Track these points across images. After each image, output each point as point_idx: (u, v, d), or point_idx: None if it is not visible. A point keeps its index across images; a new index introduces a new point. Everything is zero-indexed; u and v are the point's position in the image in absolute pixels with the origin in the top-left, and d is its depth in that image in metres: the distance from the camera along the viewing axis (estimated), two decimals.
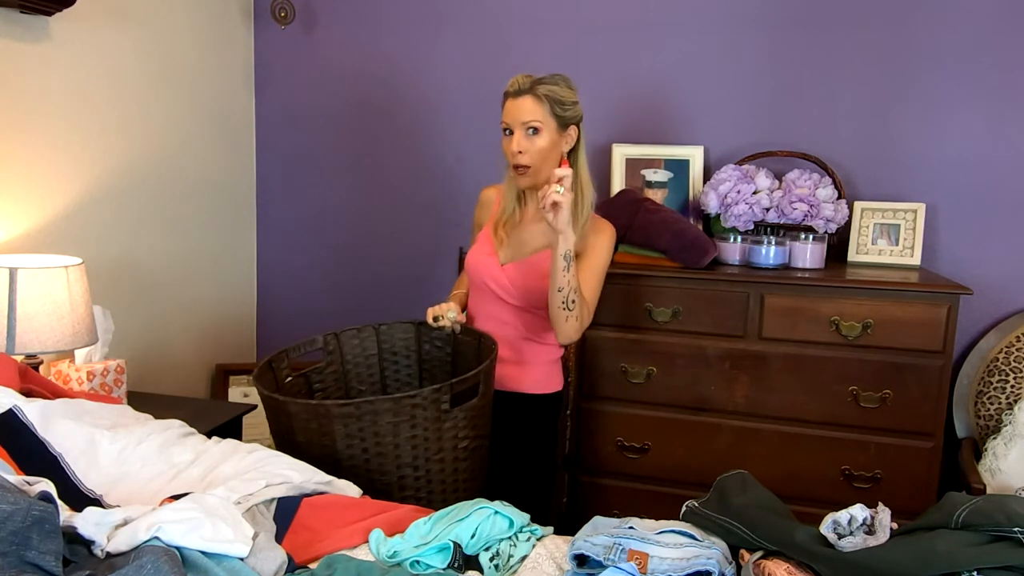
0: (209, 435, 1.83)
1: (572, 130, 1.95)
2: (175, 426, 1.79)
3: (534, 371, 2.06)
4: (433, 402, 1.73)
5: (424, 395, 1.71)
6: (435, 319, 2.01)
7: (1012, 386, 2.53)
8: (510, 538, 1.45)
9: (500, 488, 1.97)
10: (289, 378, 2.04)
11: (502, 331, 2.04)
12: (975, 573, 1.14)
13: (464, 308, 2.16)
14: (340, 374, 2.17)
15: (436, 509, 1.59)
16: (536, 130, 1.90)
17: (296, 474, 1.58)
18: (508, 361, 2.04)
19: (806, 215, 2.47)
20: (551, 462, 2.13)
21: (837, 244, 2.61)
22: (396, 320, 2.22)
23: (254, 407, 2.52)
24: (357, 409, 1.69)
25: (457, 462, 1.82)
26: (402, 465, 1.74)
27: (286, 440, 1.80)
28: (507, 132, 1.93)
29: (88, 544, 1.24)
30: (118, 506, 1.44)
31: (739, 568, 1.32)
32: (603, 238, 2.00)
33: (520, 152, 1.90)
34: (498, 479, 2.02)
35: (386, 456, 1.73)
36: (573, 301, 1.89)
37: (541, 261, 1.98)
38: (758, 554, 1.30)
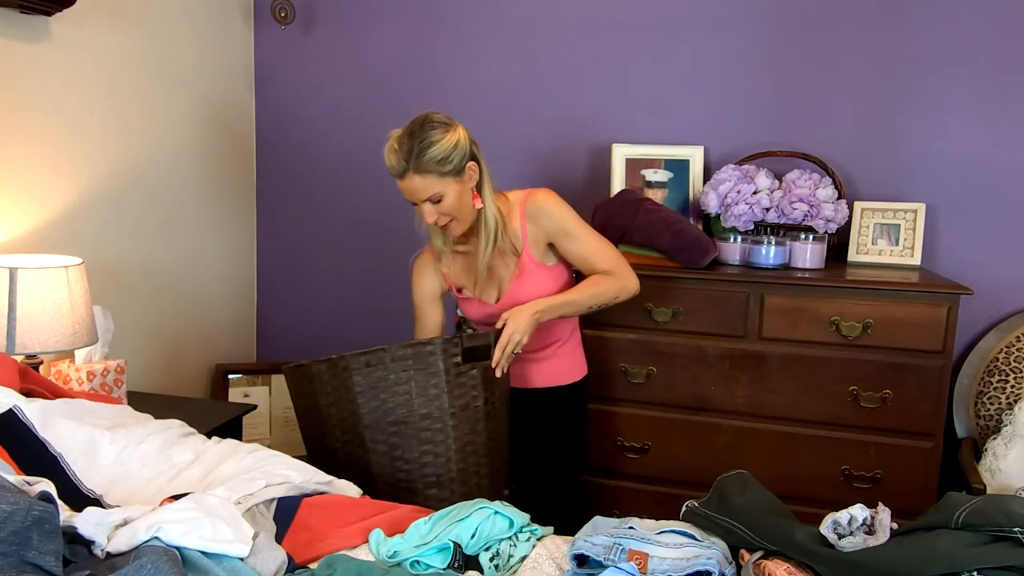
0: (209, 435, 1.84)
1: (470, 168, 1.89)
2: (175, 426, 1.79)
3: (551, 364, 2.09)
4: (444, 352, 1.81)
5: (436, 343, 1.81)
6: None
7: (1012, 386, 2.53)
8: (510, 538, 1.45)
9: (531, 485, 2.00)
10: None
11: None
12: (975, 573, 1.14)
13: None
14: None
15: (458, 472, 1.72)
16: (438, 199, 1.86)
17: (296, 474, 1.59)
18: (523, 360, 2.05)
19: (806, 215, 2.47)
20: (579, 450, 2.16)
21: (837, 244, 2.61)
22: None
23: (254, 407, 2.53)
24: (375, 357, 1.79)
25: (474, 422, 1.87)
26: (422, 416, 1.81)
27: (311, 410, 1.89)
28: (413, 204, 1.91)
29: (88, 544, 1.24)
30: (118, 506, 1.44)
31: (739, 568, 1.32)
32: (552, 212, 1.94)
33: (435, 221, 1.90)
34: (528, 475, 2.04)
35: (404, 405, 1.80)
36: (602, 296, 1.94)
37: (525, 280, 1.98)
38: (758, 554, 1.30)
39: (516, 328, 1.86)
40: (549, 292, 1.98)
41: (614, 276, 1.97)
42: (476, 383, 1.86)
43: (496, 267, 1.99)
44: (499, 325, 1.88)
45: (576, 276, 2.11)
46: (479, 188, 1.92)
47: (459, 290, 2.07)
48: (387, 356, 1.79)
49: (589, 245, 1.97)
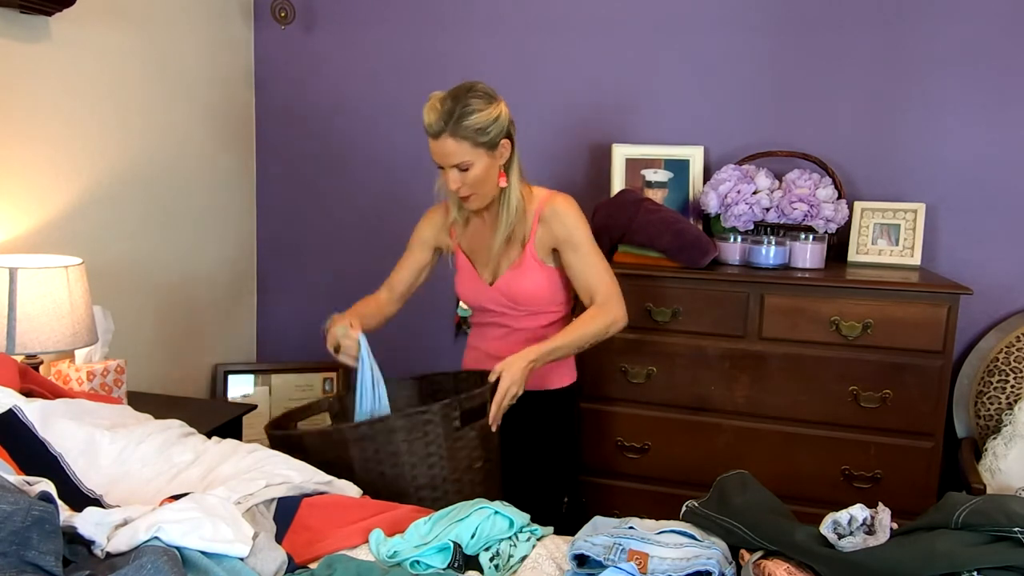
0: (209, 435, 1.84)
1: (503, 144, 1.89)
2: (175, 426, 1.79)
3: (539, 368, 2.05)
4: (444, 417, 1.73)
5: (435, 411, 1.72)
6: (336, 351, 1.97)
7: (1012, 386, 2.53)
8: (510, 538, 1.45)
9: (517, 486, 1.98)
10: None
11: (507, 339, 2.05)
12: (975, 573, 1.14)
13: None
14: None
15: None
16: (467, 167, 1.86)
17: (296, 474, 1.58)
18: None
19: (806, 215, 2.47)
20: (568, 456, 2.13)
21: (837, 244, 2.61)
22: (395, 377, 2.14)
23: (254, 407, 2.53)
24: (371, 429, 1.70)
25: (474, 485, 1.81)
26: (420, 487, 1.74)
27: None
28: (439, 167, 1.91)
29: (88, 544, 1.24)
30: (118, 506, 1.44)
31: (739, 568, 1.32)
32: (566, 220, 1.94)
33: (458, 189, 1.89)
34: (515, 478, 2.02)
35: (403, 477, 1.73)
36: (592, 336, 1.92)
37: (523, 268, 1.98)
38: (758, 554, 1.30)
39: (513, 381, 1.83)
40: (541, 289, 1.98)
41: (604, 310, 1.93)
42: (475, 444, 1.80)
43: (498, 251, 2.00)
44: (492, 378, 1.85)
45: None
46: (507, 168, 1.93)
47: (464, 252, 2.06)
48: (383, 427, 1.71)
49: (591, 264, 1.95)
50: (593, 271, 1.95)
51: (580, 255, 1.95)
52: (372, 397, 1.91)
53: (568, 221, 1.94)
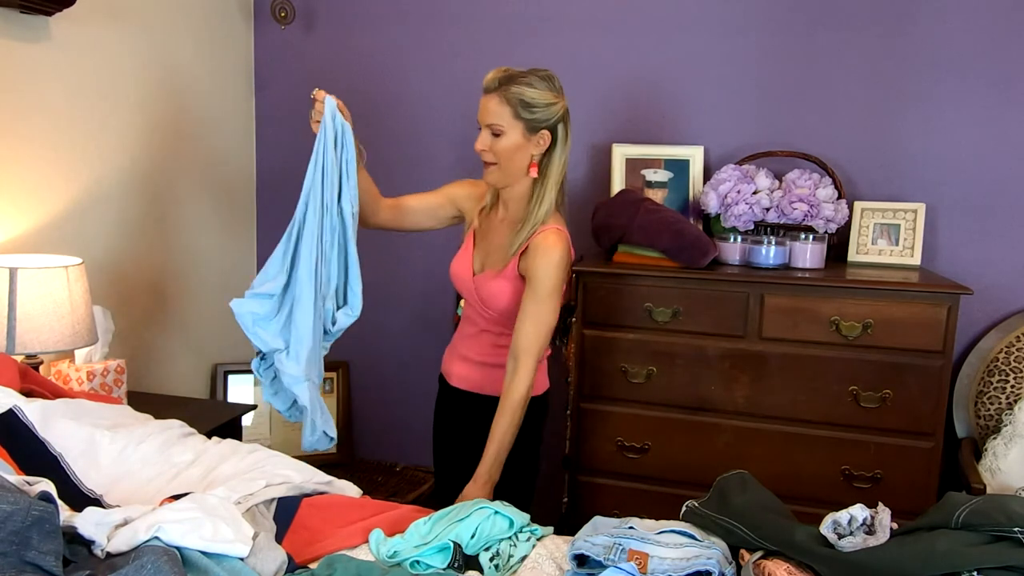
0: (209, 435, 1.84)
1: (544, 135, 1.88)
2: (175, 426, 1.79)
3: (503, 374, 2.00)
4: None
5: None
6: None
7: (1012, 386, 2.53)
8: (510, 538, 1.45)
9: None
10: None
11: (478, 337, 2.05)
12: (975, 573, 1.14)
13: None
14: None
15: None
16: (498, 132, 1.86)
17: (296, 474, 1.59)
18: (485, 365, 2.04)
19: (806, 215, 2.47)
20: (532, 465, 2.09)
21: (837, 244, 2.61)
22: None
23: (254, 407, 2.53)
24: None
25: None
26: None
27: None
28: (479, 127, 1.91)
29: (88, 544, 1.24)
30: (118, 506, 1.44)
31: (739, 568, 1.32)
32: (542, 259, 1.88)
33: (483, 150, 1.89)
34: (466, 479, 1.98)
35: None
36: (518, 421, 1.89)
37: (502, 273, 1.96)
38: (758, 554, 1.31)
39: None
40: (507, 297, 1.96)
41: (514, 383, 1.88)
42: None
43: (496, 247, 1.99)
44: None
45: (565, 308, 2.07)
46: (545, 165, 1.91)
47: (475, 236, 2.06)
48: None
49: (537, 316, 1.88)
50: (534, 322, 1.89)
51: (534, 300, 1.89)
52: (333, 160, 1.84)
53: (544, 263, 1.88)
